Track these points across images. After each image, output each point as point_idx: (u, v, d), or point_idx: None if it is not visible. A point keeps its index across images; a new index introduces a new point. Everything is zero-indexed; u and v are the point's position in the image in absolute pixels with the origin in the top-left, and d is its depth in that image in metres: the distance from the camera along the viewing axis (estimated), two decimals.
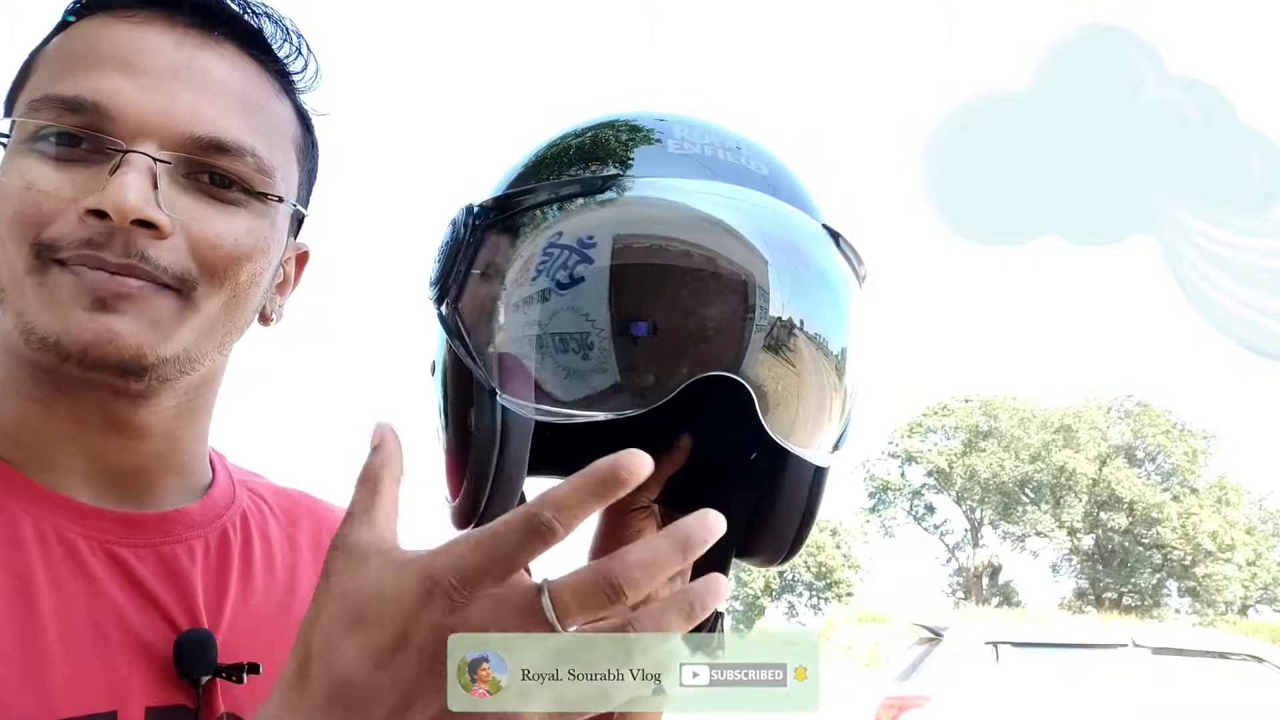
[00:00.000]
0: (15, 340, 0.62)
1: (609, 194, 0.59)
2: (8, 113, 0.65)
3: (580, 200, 0.60)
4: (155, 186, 0.59)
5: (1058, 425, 34.49)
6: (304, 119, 0.71)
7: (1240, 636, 10.46)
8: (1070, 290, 45.45)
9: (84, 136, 0.60)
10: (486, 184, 0.67)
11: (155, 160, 0.60)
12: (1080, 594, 35.26)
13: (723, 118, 0.65)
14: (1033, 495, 35.55)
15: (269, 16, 0.67)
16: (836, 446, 0.65)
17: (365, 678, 0.44)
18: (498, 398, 0.58)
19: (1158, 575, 33.80)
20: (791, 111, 48.83)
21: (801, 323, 0.59)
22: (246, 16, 0.66)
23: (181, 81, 0.62)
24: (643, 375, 0.57)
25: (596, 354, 0.57)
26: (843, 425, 0.65)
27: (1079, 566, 35.79)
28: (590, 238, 0.58)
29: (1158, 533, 32.64)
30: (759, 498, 0.66)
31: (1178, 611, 33.64)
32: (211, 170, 0.62)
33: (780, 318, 0.58)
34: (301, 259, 0.74)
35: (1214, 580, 31.90)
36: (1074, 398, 35.32)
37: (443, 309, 0.64)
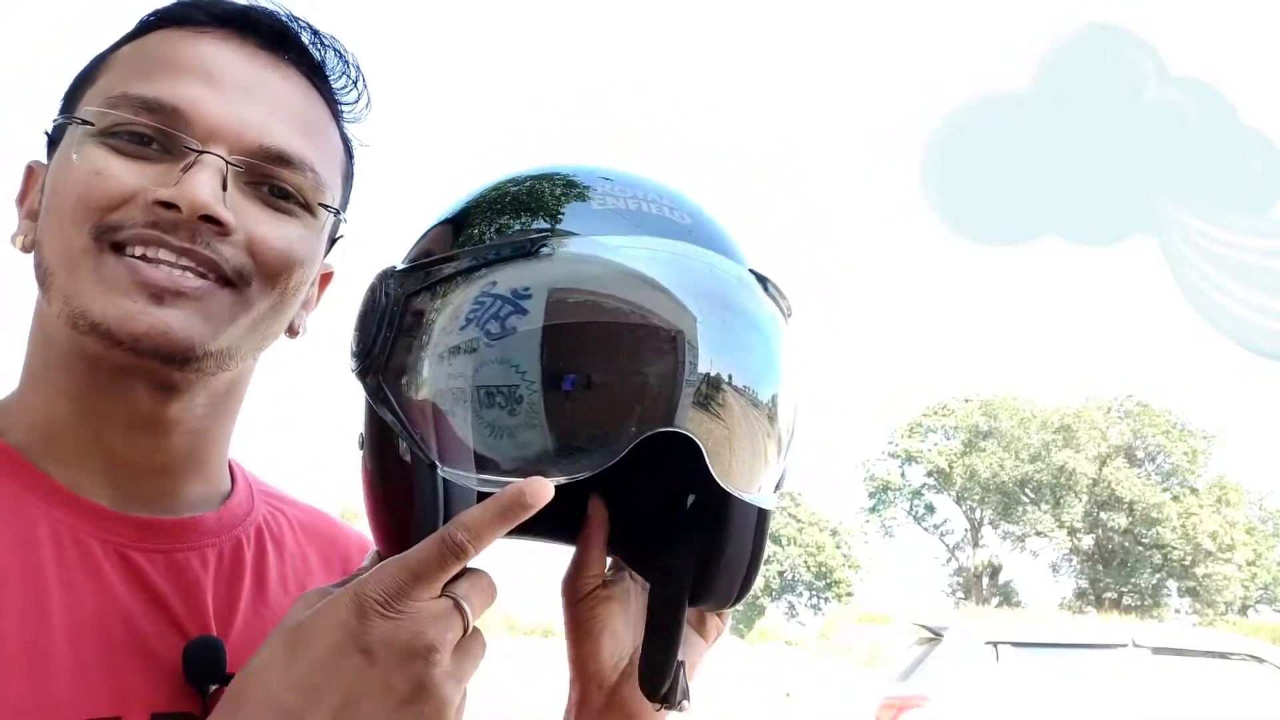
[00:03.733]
0: (58, 326, 0.62)
1: (542, 250, 0.58)
2: (70, 108, 0.67)
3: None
4: (225, 188, 0.62)
5: (1058, 425, 34.51)
6: (348, 148, 0.74)
7: (1240, 636, 10.46)
8: (1070, 290, 45.50)
9: (158, 136, 0.62)
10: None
11: (227, 163, 0.63)
12: (1080, 594, 35.28)
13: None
14: (1033, 495, 35.58)
15: (334, 49, 0.71)
16: (777, 486, 0.65)
17: (303, 687, 0.52)
18: (438, 470, 0.57)
19: (1158, 575, 33.82)
20: (792, 112, 48.87)
21: (730, 376, 0.59)
22: (314, 46, 0.70)
23: (254, 96, 0.65)
24: (583, 433, 0.57)
25: (525, 409, 0.56)
26: (781, 466, 0.65)
27: (1079, 566, 35.82)
28: (526, 289, 0.57)
29: (1158, 533, 32.66)
30: (705, 545, 0.65)
31: (1178, 611, 33.69)
32: (273, 181, 0.65)
33: (710, 373, 0.58)
34: (325, 279, 0.76)
35: (1214, 580, 31.92)
36: (1074, 398, 35.38)
37: (368, 380, 0.61)
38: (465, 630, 0.54)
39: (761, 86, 48.94)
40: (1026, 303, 46.80)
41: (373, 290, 0.63)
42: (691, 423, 0.57)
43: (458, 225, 0.62)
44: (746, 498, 0.61)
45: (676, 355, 0.57)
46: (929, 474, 37.36)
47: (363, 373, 0.62)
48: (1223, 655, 6.92)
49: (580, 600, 0.69)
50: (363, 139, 0.75)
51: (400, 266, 0.63)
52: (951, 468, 36.10)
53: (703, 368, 0.58)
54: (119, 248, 0.61)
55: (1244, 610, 32.23)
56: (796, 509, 36.78)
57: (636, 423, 0.56)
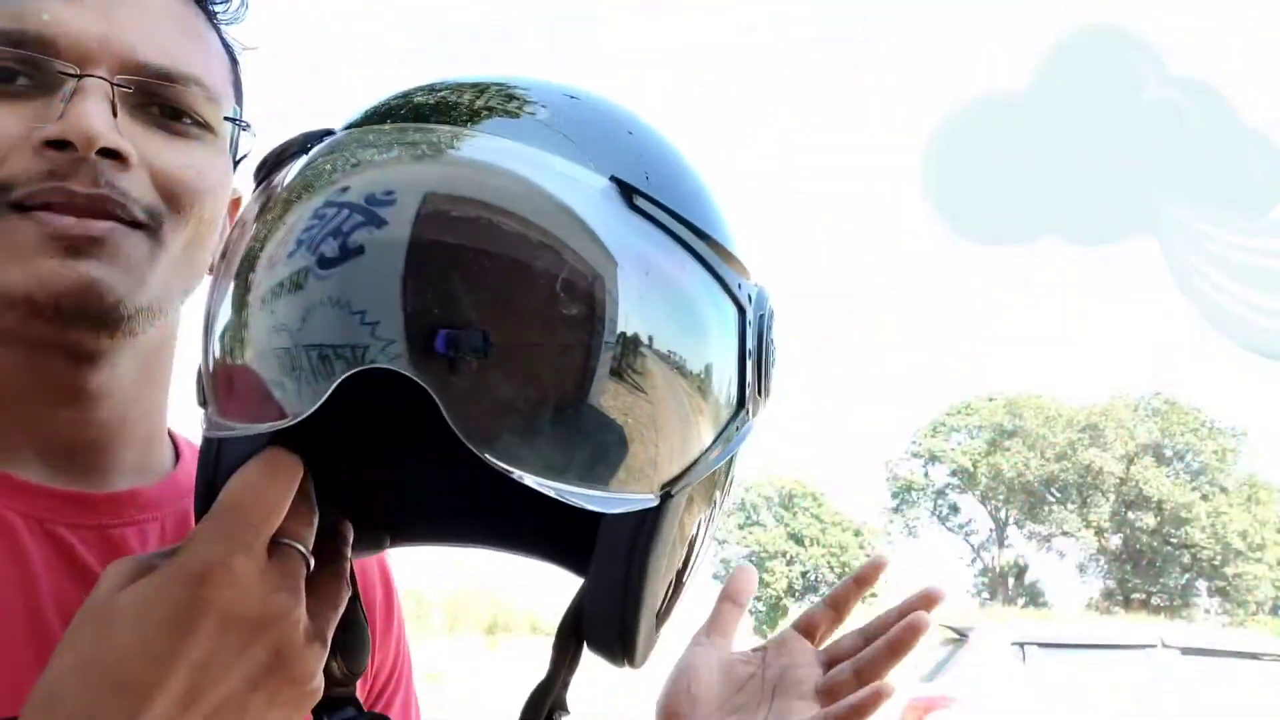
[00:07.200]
0: None
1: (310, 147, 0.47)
2: None
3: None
4: (115, 114, 0.55)
5: (1084, 424, 34.12)
6: (231, 54, 0.66)
7: (1271, 636, 10.34)
8: (1071, 290, 45.09)
9: (23, 68, 0.55)
10: None
11: (113, 85, 0.56)
12: (1108, 594, 34.84)
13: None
14: (1059, 495, 35.20)
15: None
16: (675, 482, 0.45)
17: (147, 657, 0.45)
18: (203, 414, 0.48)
19: (1187, 575, 33.34)
20: (792, 112, 48.78)
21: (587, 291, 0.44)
22: None
23: (122, 8, 0.58)
24: (289, 377, 0.43)
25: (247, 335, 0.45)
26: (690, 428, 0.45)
27: (1106, 566, 35.37)
28: (389, 193, 0.42)
29: (1186, 532, 32.20)
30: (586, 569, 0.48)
31: (1207, 611, 33.16)
32: (161, 100, 0.58)
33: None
34: (234, 205, 0.67)
35: (1244, 580, 31.43)
36: (1100, 396, 34.97)
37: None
38: (308, 567, 0.48)
39: (759, 87, 48.91)
40: (1052, 300, 46.45)
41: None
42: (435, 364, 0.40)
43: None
44: (531, 480, 0.41)
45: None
46: (953, 473, 37.03)
47: None
48: (1254, 656, 6.88)
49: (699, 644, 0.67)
50: (246, 42, 0.67)
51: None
52: (976, 467, 35.78)
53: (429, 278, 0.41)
54: (18, 207, 0.54)
55: (1275, 610, 31.67)
56: (819, 509, 36.60)
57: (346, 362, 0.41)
